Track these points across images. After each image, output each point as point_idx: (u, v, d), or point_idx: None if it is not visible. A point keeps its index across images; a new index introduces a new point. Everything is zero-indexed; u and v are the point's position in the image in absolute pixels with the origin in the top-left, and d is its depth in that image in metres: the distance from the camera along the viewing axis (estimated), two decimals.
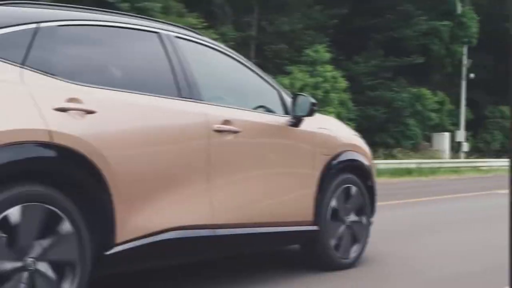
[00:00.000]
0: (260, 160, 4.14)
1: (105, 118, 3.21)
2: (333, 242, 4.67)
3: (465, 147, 30.02)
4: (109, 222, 3.19)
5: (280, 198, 4.26)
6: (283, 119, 4.37)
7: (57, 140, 2.97)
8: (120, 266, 3.37)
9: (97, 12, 3.64)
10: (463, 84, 30.79)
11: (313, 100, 4.40)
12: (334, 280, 4.45)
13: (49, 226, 2.95)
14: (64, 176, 3.04)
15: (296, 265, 4.81)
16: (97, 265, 3.17)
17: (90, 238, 3.11)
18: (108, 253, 3.20)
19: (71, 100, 3.09)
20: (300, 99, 4.39)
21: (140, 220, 3.35)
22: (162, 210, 3.47)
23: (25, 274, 2.85)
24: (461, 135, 30.01)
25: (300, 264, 4.79)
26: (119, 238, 3.25)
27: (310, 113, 4.36)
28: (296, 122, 4.40)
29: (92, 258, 3.12)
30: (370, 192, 5.07)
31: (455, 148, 30.33)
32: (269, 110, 4.40)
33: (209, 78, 4.01)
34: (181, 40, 3.92)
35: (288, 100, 4.50)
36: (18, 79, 2.99)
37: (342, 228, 4.75)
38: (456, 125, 30.49)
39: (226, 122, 3.86)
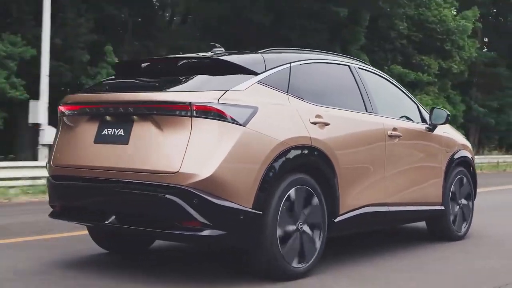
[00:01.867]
0: (412, 157, 5.64)
1: (335, 128, 4.69)
2: (452, 219, 6.16)
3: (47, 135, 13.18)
4: (336, 198, 4.67)
5: (423, 184, 5.76)
6: (423, 126, 5.87)
7: (313, 144, 4.45)
8: (339, 231, 4.84)
9: (312, 52, 5.14)
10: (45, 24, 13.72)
11: (448, 112, 5.90)
12: (449, 249, 5.89)
13: (307, 201, 4.42)
14: (315, 167, 4.52)
15: (415, 238, 6.31)
16: (328, 229, 4.64)
17: (326, 208, 4.58)
18: (335, 220, 4.68)
19: (317, 116, 4.57)
20: (437, 111, 5.88)
21: (350, 198, 4.82)
22: (361, 191, 4.95)
23: (298, 234, 4.32)
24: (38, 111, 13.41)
25: (418, 237, 6.30)
26: (341, 210, 4.72)
27: (446, 122, 5.86)
28: (432, 128, 5.90)
29: (327, 222, 4.60)
30: (473, 180, 6.57)
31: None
32: (409, 119, 5.89)
33: (378, 97, 5.46)
34: (361, 70, 5.41)
35: (423, 111, 6.00)
36: (287, 102, 4.46)
37: (457, 208, 6.25)
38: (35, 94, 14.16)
39: (394, 129, 5.35)
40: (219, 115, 3.98)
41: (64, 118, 4.61)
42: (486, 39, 40.07)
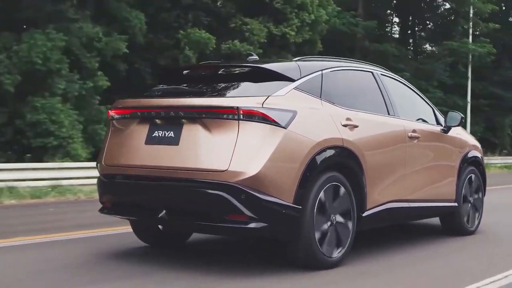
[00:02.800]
0: (429, 157, 6.06)
1: (363, 130, 5.09)
2: (464, 214, 6.58)
3: None
4: (363, 194, 5.07)
5: (439, 182, 6.18)
6: (438, 128, 6.30)
7: (345, 145, 4.86)
8: (367, 225, 5.23)
9: (340, 60, 5.56)
10: None
11: (462, 115, 6.32)
12: (463, 241, 6.33)
13: (338, 194, 4.82)
14: (345, 165, 4.92)
15: (426, 234, 6.73)
16: (357, 223, 5.03)
17: (355, 203, 4.98)
18: (363, 215, 5.09)
19: (347, 119, 4.98)
20: (452, 114, 6.31)
21: (376, 194, 5.23)
22: (385, 188, 5.36)
23: (331, 227, 4.73)
24: None
25: (430, 232, 6.73)
26: (368, 205, 5.13)
27: (460, 124, 6.30)
28: (447, 130, 6.33)
29: (356, 216, 4.99)
30: (483, 178, 7.00)
31: None
32: (425, 121, 6.31)
33: (398, 100, 5.88)
34: (383, 76, 5.83)
35: (438, 114, 6.43)
36: (321, 106, 4.87)
37: (469, 205, 6.68)
38: None
39: (414, 131, 5.78)
40: (264, 119, 4.38)
41: (114, 121, 4.99)
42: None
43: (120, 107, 5.00)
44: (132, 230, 5.47)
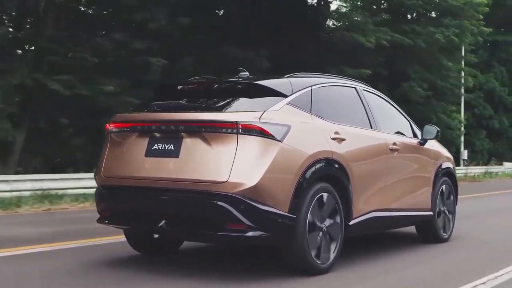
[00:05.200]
0: (407, 168, 6.41)
1: (350, 143, 5.39)
2: (439, 223, 6.94)
3: None
4: (350, 204, 5.35)
5: (417, 192, 6.53)
6: (415, 141, 6.66)
7: (334, 157, 5.15)
8: (352, 233, 5.51)
9: (326, 76, 5.86)
10: None
11: (438, 129, 6.69)
12: (435, 250, 6.69)
13: (328, 203, 5.09)
14: (334, 176, 5.20)
15: (404, 241, 7.07)
16: (344, 231, 5.31)
17: (343, 212, 5.26)
18: (349, 223, 5.37)
19: (336, 133, 5.27)
20: (428, 127, 6.68)
21: (361, 204, 5.53)
22: (369, 198, 5.66)
23: (322, 234, 4.99)
24: None
25: (414, 240, 7.08)
26: (354, 215, 5.42)
27: (435, 137, 6.67)
28: (423, 142, 6.70)
29: (343, 224, 5.27)
30: (455, 189, 7.39)
31: None
32: (402, 134, 6.66)
33: (379, 114, 6.21)
34: (365, 91, 6.16)
35: (415, 127, 6.79)
36: (311, 120, 5.14)
37: (442, 214, 7.05)
38: None
39: (394, 143, 6.12)
40: (261, 133, 4.62)
41: (112, 135, 5.17)
42: None
43: (119, 121, 5.18)
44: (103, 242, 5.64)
